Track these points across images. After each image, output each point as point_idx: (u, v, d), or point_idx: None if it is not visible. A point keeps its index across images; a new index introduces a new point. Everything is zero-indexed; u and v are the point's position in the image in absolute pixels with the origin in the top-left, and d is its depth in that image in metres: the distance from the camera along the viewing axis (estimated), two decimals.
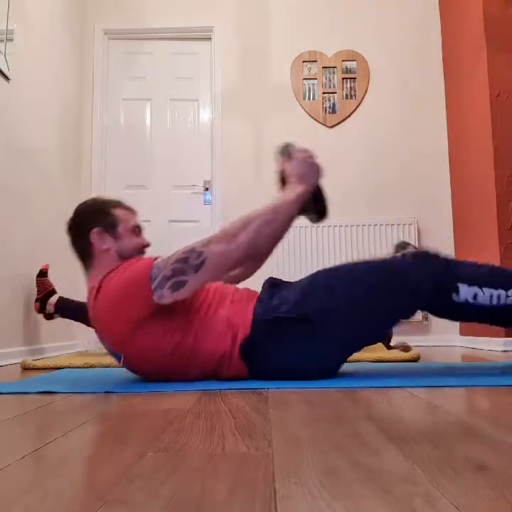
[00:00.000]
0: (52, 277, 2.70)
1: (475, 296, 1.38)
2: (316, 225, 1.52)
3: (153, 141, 3.72)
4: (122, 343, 1.38)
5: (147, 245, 1.56)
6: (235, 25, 3.72)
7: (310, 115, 3.62)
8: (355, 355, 1.98)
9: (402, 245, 2.02)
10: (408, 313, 1.45)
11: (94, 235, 1.48)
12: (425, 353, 2.50)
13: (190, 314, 1.40)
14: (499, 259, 2.77)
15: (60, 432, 0.81)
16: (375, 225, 3.43)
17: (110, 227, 1.50)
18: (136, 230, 1.55)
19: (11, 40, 2.50)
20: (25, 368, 1.96)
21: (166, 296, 1.33)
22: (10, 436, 0.80)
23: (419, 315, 3.28)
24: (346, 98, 3.63)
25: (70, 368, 1.95)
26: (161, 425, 0.85)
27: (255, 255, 1.41)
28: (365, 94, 3.63)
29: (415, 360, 2.02)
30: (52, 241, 3.01)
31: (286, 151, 1.49)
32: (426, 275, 1.39)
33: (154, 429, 0.83)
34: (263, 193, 3.55)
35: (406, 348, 2.39)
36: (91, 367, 1.97)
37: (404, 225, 3.43)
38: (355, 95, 3.64)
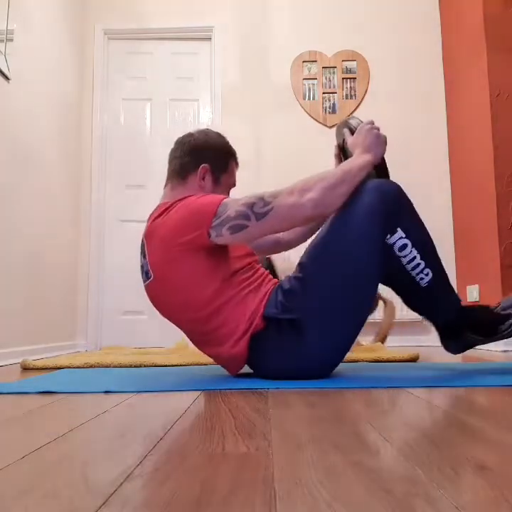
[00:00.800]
0: (53, 280, 2.69)
1: (403, 247, 1.37)
2: None
3: (153, 141, 3.72)
4: (163, 262, 1.40)
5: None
6: (235, 25, 3.72)
7: (310, 115, 3.62)
8: (355, 355, 1.98)
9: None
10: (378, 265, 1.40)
11: (205, 168, 1.54)
12: (425, 353, 2.50)
13: (230, 281, 1.40)
14: (499, 259, 2.77)
15: (60, 432, 0.81)
16: None
17: (219, 171, 1.56)
18: (232, 186, 1.63)
19: (11, 40, 2.50)
20: (25, 368, 1.96)
21: (223, 236, 1.35)
22: (10, 436, 0.80)
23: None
24: (346, 98, 3.63)
25: (70, 368, 1.95)
26: (161, 425, 0.85)
27: (317, 217, 1.39)
28: (365, 94, 3.63)
29: (415, 360, 2.02)
30: (52, 241, 3.01)
31: (350, 124, 1.50)
32: (382, 200, 1.38)
33: (154, 429, 0.83)
34: None
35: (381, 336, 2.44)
36: (91, 367, 1.97)
37: None
38: (355, 95, 3.64)
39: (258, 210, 1.33)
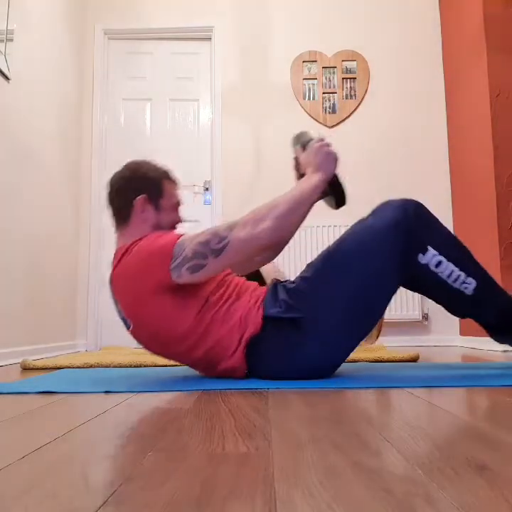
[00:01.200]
0: (53, 280, 2.70)
1: (438, 264, 1.38)
2: (336, 210, 1.51)
3: (153, 141, 3.72)
4: (134, 309, 1.39)
5: (181, 221, 1.59)
6: (235, 25, 3.72)
7: (310, 115, 3.62)
8: (355, 355, 1.98)
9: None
10: (394, 280, 1.42)
11: (140, 201, 1.50)
12: (425, 353, 2.50)
13: (206, 305, 1.40)
14: (499, 259, 2.77)
15: (60, 432, 0.81)
16: None
17: (155, 198, 1.52)
18: (177, 206, 1.58)
19: (11, 40, 2.50)
20: (25, 368, 1.96)
21: (183, 276, 1.34)
22: (10, 436, 0.80)
23: (419, 315, 3.28)
24: (346, 98, 3.63)
25: (70, 368, 1.95)
26: (161, 425, 0.85)
27: (275, 244, 1.41)
28: (365, 94, 3.63)
29: (415, 360, 2.02)
30: (52, 241, 3.01)
31: (301, 141, 1.48)
32: (407, 221, 1.37)
33: (154, 429, 0.83)
34: (263, 192, 3.56)
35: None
36: (91, 367, 1.97)
37: None
38: (355, 95, 3.64)
39: (214, 246, 1.31)
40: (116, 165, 3.92)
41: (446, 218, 3.49)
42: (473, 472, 0.56)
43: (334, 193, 1.46)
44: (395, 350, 2.41)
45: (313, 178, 1.42)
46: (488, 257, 2.89)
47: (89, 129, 3.64)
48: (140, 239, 1.43)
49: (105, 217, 3.63)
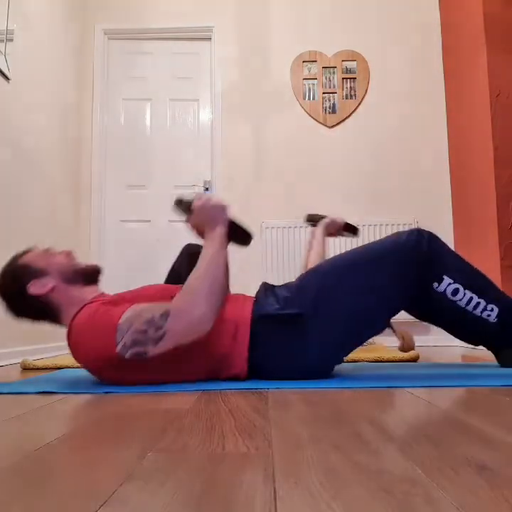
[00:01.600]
0: None
1: (455, 292, 1.38)
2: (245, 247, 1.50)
3: (153, 141, 3.72)
4: (100, 375, 1.36)
5: (93, 268, 1.49)
6: (235, 25, 3.72)
7: (310, 115, 3.62)
8: (355, 355, 1.98)
9: (314, 218, 2.00)
10: (399, 300, 1.43)
11: (32, 288, 1.39)
12: (425, 353, 2.50)
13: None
14: (499, 259, 2.77)
15: (60, 432, 0.81)
16: (375, 225, 3.43)
17: (35, 272, 1.41)
18: (56, 254, 1.46)
19: (11, 40, 2.50)
20: (25, 368, 1.96)
21: (131, 358, 1.26)
22: (10, 436, 0.80)
23: None
24: (346, 98, 3.63)
25: (70, 368, 1.95)
26: (161, 425, 0.85)
27: (217, 315, 1.33)
28: (365, 94, 3.63)
29: (415, 360, 2.02)
30: (52, 241, 3.01)
31: (184, 206, 1.43)
32: (420, 246, 1.39)
33: (154, 429, 0.83)
34: (263, 192, 3.56)
35: (406, 345, 2.34)
36: None
37: (404, 225, 3.44)
38: (355, 95, 3.64)
39: (152, 335, 1.24)
40: (116, 165, 3.92)
41: (446, 219, 3.50)
42: (473, 472, 0.56)
43: (237, 236, 1.45)
44: (395, 350, 2.41)
45: (214, 236, 1.37)
46: (488, 257, 2.89)
47: (89, 129, 3.64)
48: (75, 315, 1.35)
49: (106, 218, 3.64)
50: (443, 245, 1.46)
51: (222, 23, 3.72)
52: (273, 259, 3.41)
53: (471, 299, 1.39)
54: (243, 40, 3.71)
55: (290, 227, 3.40)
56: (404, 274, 1.40)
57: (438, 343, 3.29)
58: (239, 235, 1.46)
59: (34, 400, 1.16)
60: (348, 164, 3.58)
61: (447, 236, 3.46)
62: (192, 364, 1.37)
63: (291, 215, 3.45)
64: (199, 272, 1.32)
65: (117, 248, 3.60)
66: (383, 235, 3.40)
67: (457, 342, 3.23)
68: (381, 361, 1.98)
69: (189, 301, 1.28)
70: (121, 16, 3.75)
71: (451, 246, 3.43)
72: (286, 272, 3.32)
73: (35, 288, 1.40)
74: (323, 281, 1.42)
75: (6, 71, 2.42)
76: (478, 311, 1.41)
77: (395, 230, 3.42)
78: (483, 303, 1.40)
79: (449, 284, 1.38)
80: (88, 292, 1.44)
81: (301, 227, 3.35)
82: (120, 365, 1.28)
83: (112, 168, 3.69)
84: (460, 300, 1.39)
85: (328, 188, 3.54)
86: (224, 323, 1.39)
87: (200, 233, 1.43)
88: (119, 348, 1.26)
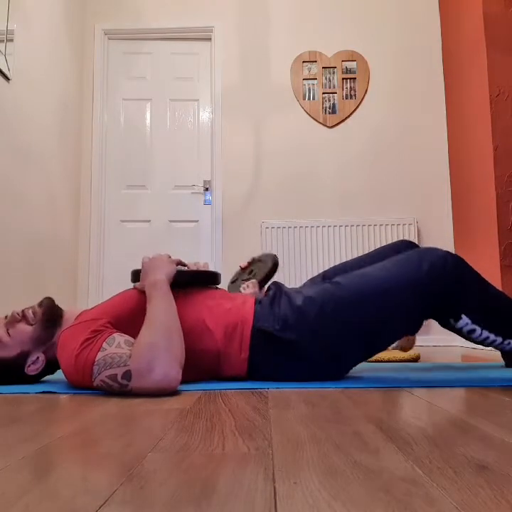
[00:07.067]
0: (53, 280, 2.70)
1: (471, 331, 1.36)
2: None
3: (153, 141, 3.72)
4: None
5: (49, 311, 1.42)
6: (235, 25, 3.72)
7: (310, 115, 3.63)
8: None
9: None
10: (406, 329, 1.43)
11: (31, 372, 1.39)
12: (425, 353, 2.50)
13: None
14: (499, 259, 2.77)
15: (60, 432, 0.81)
16: (375, 225, 3.43)
17: (18, 360, 1.37)
18: (14, 323, 1.39)
19: (11, 40, 2.50)
20: None
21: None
22: (10, 436, 0.80)
23: None
24: (346, 98, 3.63)
25: None
26: (161, 425, 0.85)
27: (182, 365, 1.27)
28: (365, 94, 3.63)
29: (415, 360, 2.02)
30: (52, 241, 3.01)
31: (137, 277, 1.45)
32: (444, 278, 1.32)
33: (154, 429, 0.83)
34: (263, 192, 3.56)
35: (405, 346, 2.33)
36: None
37: (404, 225, 3.44)
38: (355, 95, 3.64)
39: (118, 389, 1.20)
40: (116, 165, 3.93)
41: (446, 219, 3.50)
42: (473, 472, 0.56)
43: (200, 280, 1.47)
44: (395, 350, 2.40)
45: (154, 283, 1.33)
46: (488, 257, 2.89)
47: (89, 129, 3.64)
48: (60, 347, 1.30)
49: (106, 218, 3.64)
50: (469, 273, 1.36)
51: (222, 23, 3.72)
52: None
53: (487, 337, 1.38)
54: (243, 41, 3.71)
55: (290, 227, 3.40)
56: (420, 308, 1.36)
57: (438, 343, 3.29)
58: (201, 279, 1.47)
59: (34, 399, 1.16)
60: (348, 164, 3.58)
61: (447, 236, 3.46)
62: (191, 364, 1.37)
63: (291, 215, 3.45)
64: (149, 323, 1.25)
65: (117, 248, 3.60)
66: (383, 235, 3.42)
67: (457, 342, 3.24)
68: (381, 361, 1.98)
69: (148, 359, 1.18)
70: (121, 16, 3.75)
71: (451, 246, 3.43)
72: (285, 272, 3.32)
73: (33, 369, 1.40)
74: (324, 310, 1.36)
75: (6, 71, 2.43)
76: (493, 344, 1.40)
77: (394, 230, 3.42)
78: (500, 339, 1.39)
79: (467, 324, 1.35)
80: (65, 326, 1.40)
81: (300, 227, 3.35)
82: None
83: (112, 168, 3.69)
84: (477, 338, 1.38)
85: (328, 187, 3.54)
86: (224, 323, 1.38)
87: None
88: (95, 384, 1.23)
